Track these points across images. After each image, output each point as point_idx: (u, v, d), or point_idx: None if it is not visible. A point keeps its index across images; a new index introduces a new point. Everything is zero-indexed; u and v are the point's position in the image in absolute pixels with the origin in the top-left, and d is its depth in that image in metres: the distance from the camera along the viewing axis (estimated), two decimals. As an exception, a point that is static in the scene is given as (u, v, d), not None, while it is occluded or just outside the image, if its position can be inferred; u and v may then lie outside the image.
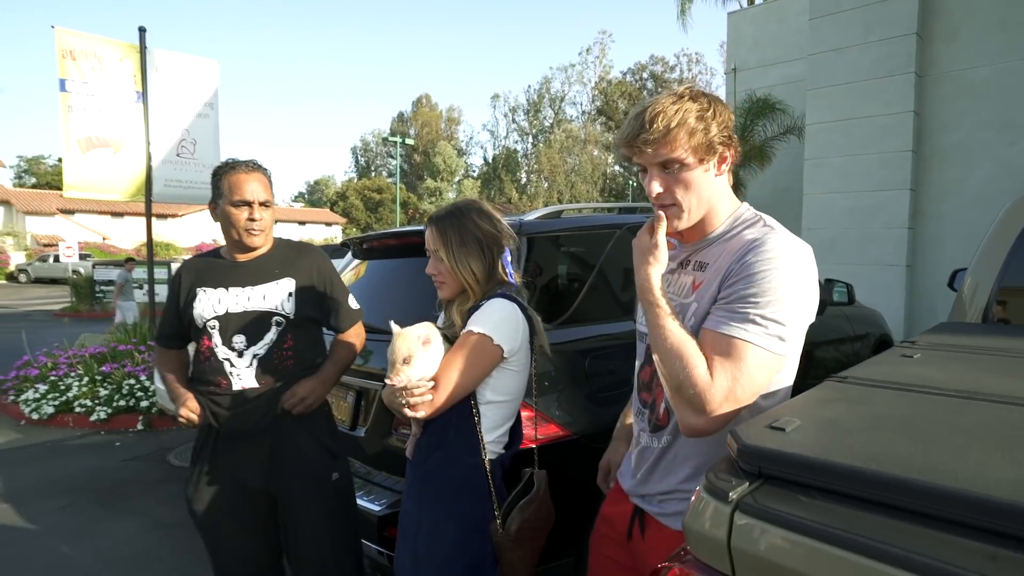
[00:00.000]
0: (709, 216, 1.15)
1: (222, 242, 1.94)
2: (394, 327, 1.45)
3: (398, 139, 29.41)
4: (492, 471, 1.47)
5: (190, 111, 6.50)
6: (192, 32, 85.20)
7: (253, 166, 1.86)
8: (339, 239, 39.09)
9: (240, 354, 1.80)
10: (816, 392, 0.95)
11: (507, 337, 1.43)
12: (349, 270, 3.08)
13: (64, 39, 5.77)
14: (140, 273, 13.06)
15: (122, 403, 5.41)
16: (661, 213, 1.12)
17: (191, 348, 1.93)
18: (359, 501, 2.13)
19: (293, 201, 60.42)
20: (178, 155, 6.44)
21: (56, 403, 5.45)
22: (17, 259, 29.99)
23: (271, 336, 1.82)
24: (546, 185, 47.17)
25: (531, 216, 2.57)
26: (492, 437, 1.50)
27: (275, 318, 1.83)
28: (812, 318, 1.08)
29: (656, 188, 1.10)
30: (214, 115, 6.71)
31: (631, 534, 1.25)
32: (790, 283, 1.01)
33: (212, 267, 1.88)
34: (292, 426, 1.83)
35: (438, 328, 1.52)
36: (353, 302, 2.01)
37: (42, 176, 46.06)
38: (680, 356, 1.00)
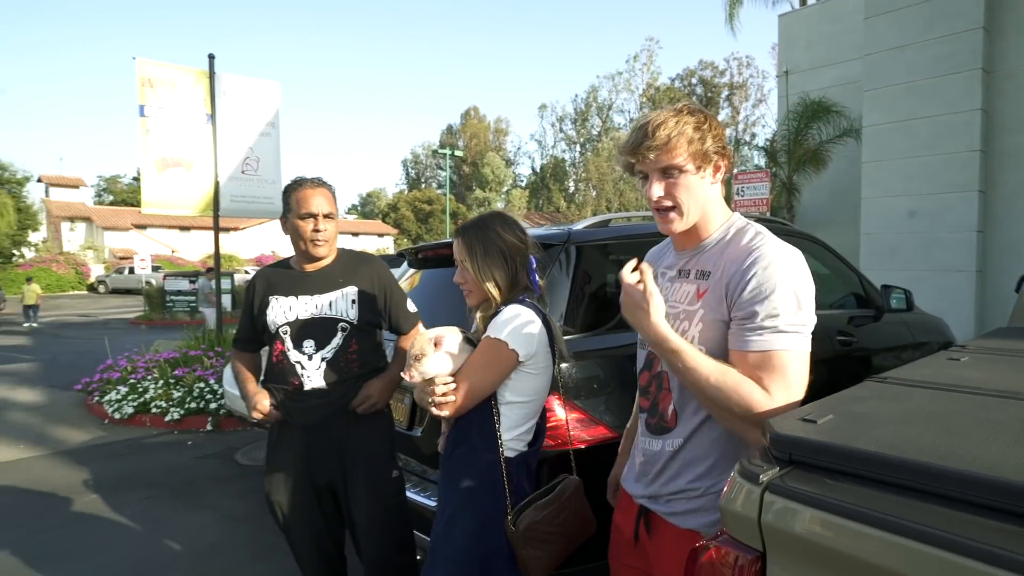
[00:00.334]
0: (704, 222, 1.24)
1: (281, 253, 2.12)
2: (420, 328, 1.55)
3: (447, 151, 30.06)
4: (510, 468, 1.53)
5: (254, 130, 6.91)
6: (252, 44, 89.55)
7: (318, 182, 2.02)
8: (390, 250, 40.04)
9: (310, 357, 1.94)
10: (854, 390, 0.99)
11: (522, 342, 1.49)
12: (405, 279, 3.23)
13: (144, 68, 6.26)
14: (204, 284, 13.85)
15: (193, 405, 5.77)
16: (645, 265, 1.17)
17: (263, 352, 2.10)
18: (416, 497, 2.24)
19: (347, 213, 62.29)
20: (243, 172, 6.85)
21: (135, 404, 5.86)
22: (96, 271, 32.17)
23: (337, 341, 1.96)
24: (594, 194, 46.98)
25: (579, 225, 2.64)
26: (513, 435, 1.56)
27: (340, 324, 1.97)
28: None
29: (657, 192, 1.20)
30: (276, 133, 7.11)
31: (637, 536, 1.30)
32: (796, 287, 1.11)
33: (283, 277, 2.04)
34: (357, 425, 1.97)
35: (464, 333, 1.61)
36: (411, 306, 2.14)
37: (118, 194, 49.25)
38: (732, 387, 1.07)
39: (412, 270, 3.23)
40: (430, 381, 1.51)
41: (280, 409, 1.96)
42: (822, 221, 11.70)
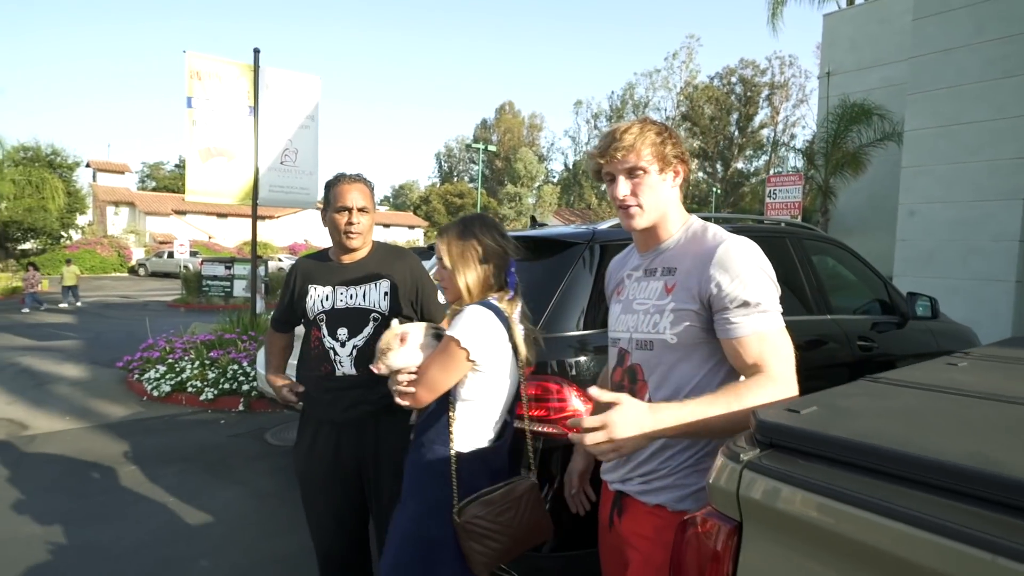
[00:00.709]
0: (664, 222, 1.37)
1: (313, 242, 2.26)
2: (394, 324, 1.67)
3: (481, 146, 30.17)
4: (461, 462, 1.59)
5: (294, 123, 7.12)
6: (294, 33, 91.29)
7: (356, 178, 2.13)
8: (420, 242, 40.42)
9: (343, 344, 2.06)
10: (845, 387, 1.05)
11: (473, 342, 1.53)
12: (434, 271, 3.33)
13: (192, 61, 6.52)
14: (239, 269, 14.27)
15: (226, 386, 6.01)
16: (592, 390, 1.14)
17: (300, 334, 2.23)
18: None
19: (379, 204, 63.07)
20: (282, 163, 7.07)
21: (172, 383, 6.14)
22: (138, 254, 33.34)
23: (369, 330, 2.07)
24: (626, 192, 46.55)
25: (604, 225, 2.69)
26: (467, 431, 1.62)
27: (372, 315, 2.08)
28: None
29: (624, 190, 1.33)
30: (315, 126, 7.31)
31: (612, 522, 1.40)
32: (762, 273, 1.24)
33: (321, 267, 2.16)
34: (385, 414, 2.06)
35: (435, 328, 1.71)
36: (442, 298, 2.23)
37: (161, 180, 50.83)
38: (747, 400, 1.11)
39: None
40: (397, 372, 1.62)
41: (306, 403, 2.11)
42: (858, 226, 11.44)
